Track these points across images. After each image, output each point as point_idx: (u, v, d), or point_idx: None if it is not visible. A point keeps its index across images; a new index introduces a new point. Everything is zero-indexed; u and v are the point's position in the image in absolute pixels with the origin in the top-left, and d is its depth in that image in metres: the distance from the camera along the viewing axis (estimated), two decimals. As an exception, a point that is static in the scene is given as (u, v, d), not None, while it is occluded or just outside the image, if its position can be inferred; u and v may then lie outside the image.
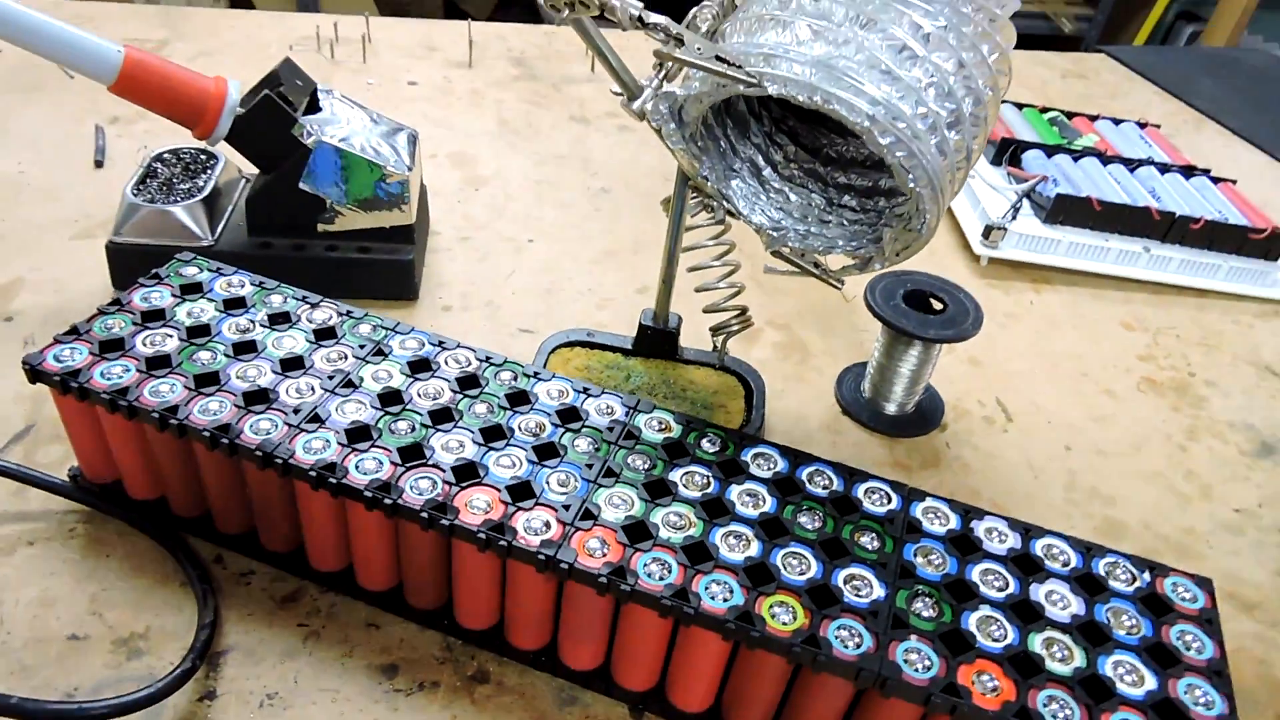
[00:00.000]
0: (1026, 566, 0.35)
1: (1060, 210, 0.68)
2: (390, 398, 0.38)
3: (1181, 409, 0.58)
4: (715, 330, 0.50)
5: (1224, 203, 0.73)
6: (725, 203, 0.43)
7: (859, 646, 0.31)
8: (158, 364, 0.38)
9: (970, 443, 0.53)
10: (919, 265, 0.64)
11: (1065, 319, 0.65)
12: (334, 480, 0.34)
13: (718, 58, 0.33)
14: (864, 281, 0.51)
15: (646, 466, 0.37)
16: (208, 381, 0.38)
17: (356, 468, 0.35)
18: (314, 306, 0.42)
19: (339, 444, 0.36)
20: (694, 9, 0.40)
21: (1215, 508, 0.51)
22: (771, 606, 0.32)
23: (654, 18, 0.34)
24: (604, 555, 0.33)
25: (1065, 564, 0.36)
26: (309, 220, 0.54)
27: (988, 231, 0.67)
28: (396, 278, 0.56)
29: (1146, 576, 0.36)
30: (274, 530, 0.39)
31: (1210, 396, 0.60)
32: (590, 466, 0.36)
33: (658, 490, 0.36)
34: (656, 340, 0.52)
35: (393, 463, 0.35)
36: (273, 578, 0.40)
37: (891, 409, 0.53)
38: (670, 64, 0.35)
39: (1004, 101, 0.85)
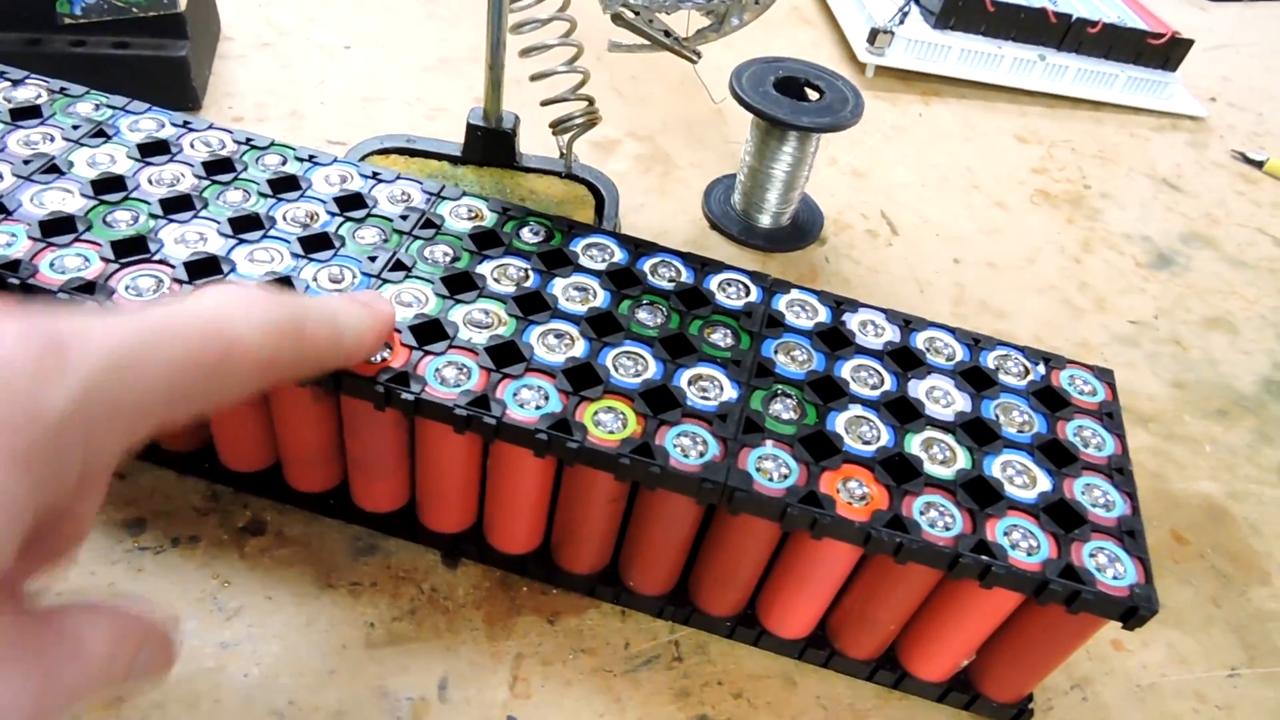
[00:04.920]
0: (906, 362, 0.30)
1: (950, 11, 0.61)
2: (108, 184, 0.29)
3: (1076, 221, 0.54)
4: (556, 126, 0.43)
5: (1124, 10, 0.67)
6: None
7: (703, 455, 0.25)
8: None
9: (851, 257, 0.47)
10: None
11: (956, 131, 0.59)
12: (16, 280, 0.26)
13: None
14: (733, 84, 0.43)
15: (448, 259, 0.29)
16: None
17: (51, 266, 0.26)
18: (15, 84, 0.33)
19: (30, 238, 0.27)
20: None
21: (1110, 320, 0.47)
22: (596, 413, 0.26)
23: None
24: (384, 360, 0.26)
25: (950, 358, 0.30)
26: (46, 7, 0.43)
27: (873, 36, 0.60)
28: (168, 80, 0.45)
29: (1041, 369, 0.30)
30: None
31: (1105, 209, 0.55)
32: (373, 259, 0.29)
33: (459, 285, 0.29)
34: (489, 143, 0.43)
35: (104, 259, 0.27)
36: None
37: (765, 220, 0.47)
38: None
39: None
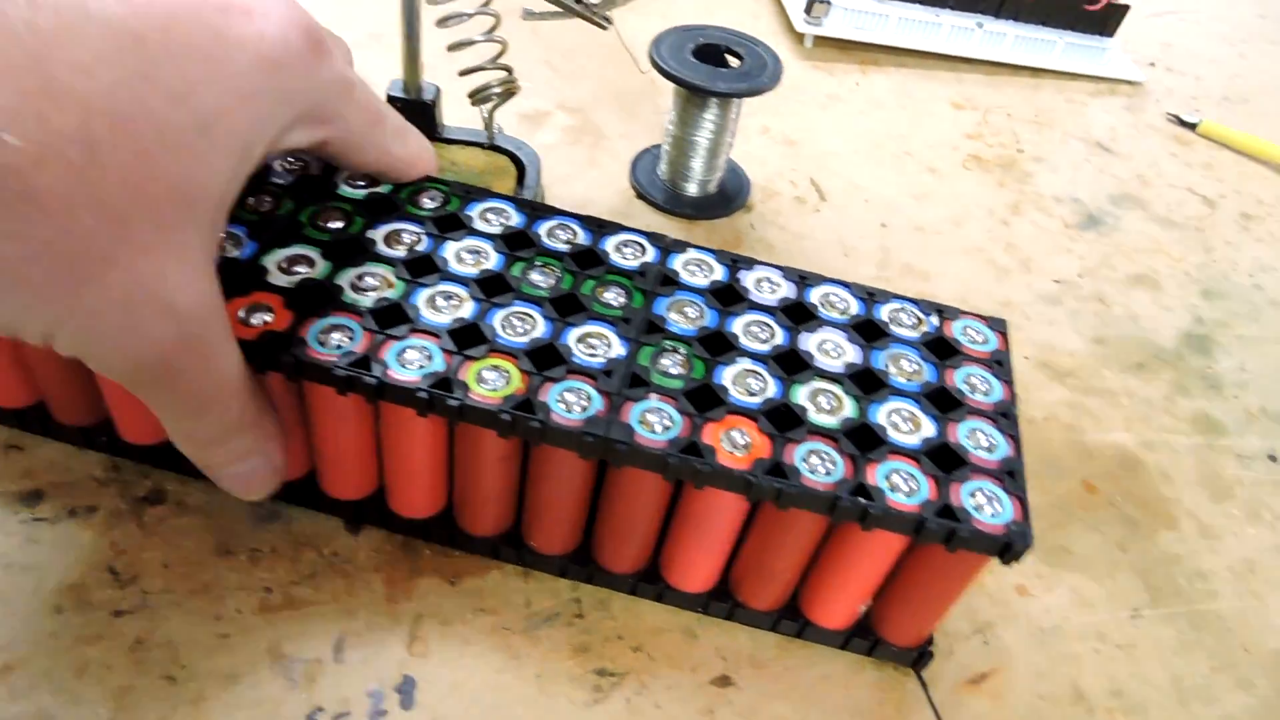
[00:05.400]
0: (799, 316, 0.30)
1: (887, -21, 0.61)
2: None
3: (1007, 184, 0.54)
4: (475, 96, 0.42)
5: (1060, -25, 0.67)
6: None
7: (586, 410, 0.25)
8: None
9: (777, 223, 0.48)
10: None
11: (892, 100, 0.59)
12: None
13: None
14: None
15: (339, 225, 0.29)
16: None
17: None
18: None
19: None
20: None
21: (1034, 279, 0.48)
22: (480, 371, 0.26)
23: None
24: (266, 324, 0.26)
25: (844, 311, 0.30)
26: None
27: (810, 5, 0.60)
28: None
29: (934, 320, 0.31)
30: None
31: (1037, 172, 0.56)
32: (260, 225, 0.29)
33: (348, 250, 0.29)
34: (410, 115, 0.42)
35: None
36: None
37: (691, 189, 0.47)
38: None
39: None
